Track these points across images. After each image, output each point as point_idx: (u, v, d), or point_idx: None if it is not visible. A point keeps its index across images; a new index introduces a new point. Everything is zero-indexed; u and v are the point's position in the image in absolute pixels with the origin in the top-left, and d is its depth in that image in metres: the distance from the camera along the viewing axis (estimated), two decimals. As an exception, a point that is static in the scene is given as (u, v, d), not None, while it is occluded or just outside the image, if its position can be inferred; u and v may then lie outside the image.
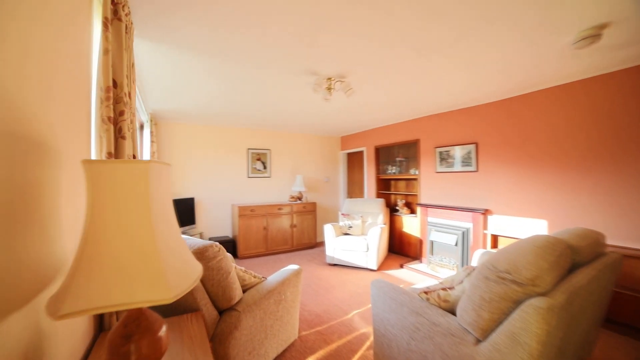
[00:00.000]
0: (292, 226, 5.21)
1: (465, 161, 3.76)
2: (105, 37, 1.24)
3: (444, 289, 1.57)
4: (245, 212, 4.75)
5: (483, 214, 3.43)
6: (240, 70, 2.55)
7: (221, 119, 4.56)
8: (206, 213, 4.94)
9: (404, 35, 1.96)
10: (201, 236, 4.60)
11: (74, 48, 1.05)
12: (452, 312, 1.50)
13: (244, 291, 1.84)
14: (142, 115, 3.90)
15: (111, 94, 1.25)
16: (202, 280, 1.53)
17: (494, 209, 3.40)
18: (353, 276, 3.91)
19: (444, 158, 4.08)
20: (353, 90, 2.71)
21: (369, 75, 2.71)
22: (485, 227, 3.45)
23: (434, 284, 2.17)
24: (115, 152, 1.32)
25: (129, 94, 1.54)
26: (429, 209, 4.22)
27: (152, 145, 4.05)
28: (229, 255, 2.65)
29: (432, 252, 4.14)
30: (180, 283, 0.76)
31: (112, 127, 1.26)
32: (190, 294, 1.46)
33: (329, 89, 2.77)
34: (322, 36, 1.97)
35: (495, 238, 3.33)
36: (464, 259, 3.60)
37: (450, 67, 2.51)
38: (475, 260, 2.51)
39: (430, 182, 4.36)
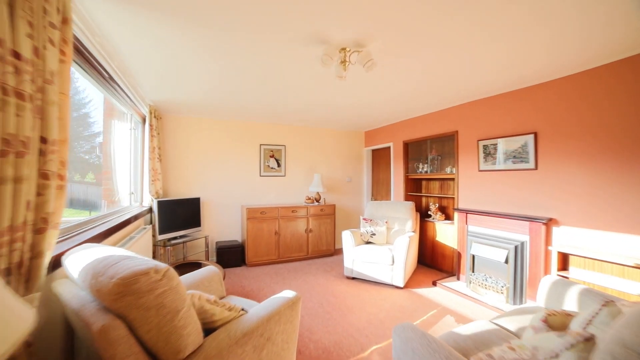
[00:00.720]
0: (308, 231, 4.67)
1: (519, 156, 2.97)
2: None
3: (518, 362, 0.92)
4: (255, 215, 4.28)
5: (545, 224, 2.64)
6: (233, 42, 2.04)
7: (229, 111, 4.13)
8: (213, 215, 4.54)
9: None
10: (206, 240, 4.20)
11: None
12: (536, 406, 0.86)
13: (210, 331, 1.31)
14: (142, 108, 3.56)
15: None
16: (132, 325, 1.02)
17: (561, 219, 2.61)
18: (375, 295, 3.27)
19: (490, 153, 3.31)
20: (374, 62, 2.10)
21: (396, 44, 2.09)
22: (548, 242, 2.66)
23: (494, 335, 1.50)
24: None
25: (14, 52, 1.06)
26: (469, 215, 3.47)
27: (152, 140, 3.70)
28: (207, 275, 2.14)
29: (472, 269, 3.39)
30: None
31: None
32: (105, 349, 0.94)
33: (344, 62, 2.18)
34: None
35: (564, 257, 2.53)
36: (518, 281, 2.82)
37: (502, 24, 1.81)
38: (543, 291, 1.79)
39: (470, 183, 3.60)
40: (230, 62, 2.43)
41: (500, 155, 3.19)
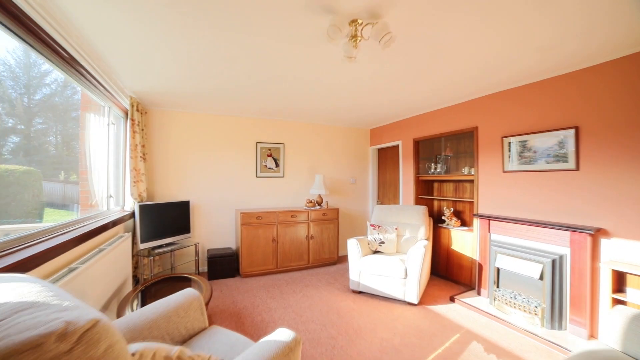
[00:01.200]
0: (309, 237, 4.25)
1: (556, 155, 2.56)
2: None
3: None
4: (250, 220, 3.86)
5: (592, 235, 2.22)
6: (219, 17, 1.63)
7: (222, 105, 3.72)
8: (205, 220, 4.12)
9: None
10: (196, 248, 3.78)
11: None
12: None
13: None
14: (121, 99, 3.15)
15: None
16: None
17: (613, 230, 2.18)
18: (386, 313, 2.85)
19: (517, 151, 2.90)
20: (393, 37, 1.68)
21: (419, 14, 1.68)
22: (595, 257, 2.24)
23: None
24: None
25: None
26: (492, 221, 3.06)
27: (134, 136, 3.29)
28: (183, 301, 1.68)
29: (497, 283, 2.97)
30: None
31: None
32: None
33: (354, 37, 1.77)
34: None
35: (619, 276, 2.10)
36: (557, 301, 2.39)
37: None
38: (615, 328, 1.37)
39: (493, 186, 3.18)
40: (218, 45, 2.02)
41: (530, 153, 2.77)
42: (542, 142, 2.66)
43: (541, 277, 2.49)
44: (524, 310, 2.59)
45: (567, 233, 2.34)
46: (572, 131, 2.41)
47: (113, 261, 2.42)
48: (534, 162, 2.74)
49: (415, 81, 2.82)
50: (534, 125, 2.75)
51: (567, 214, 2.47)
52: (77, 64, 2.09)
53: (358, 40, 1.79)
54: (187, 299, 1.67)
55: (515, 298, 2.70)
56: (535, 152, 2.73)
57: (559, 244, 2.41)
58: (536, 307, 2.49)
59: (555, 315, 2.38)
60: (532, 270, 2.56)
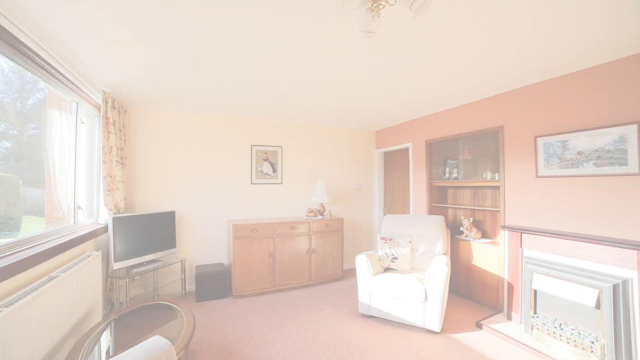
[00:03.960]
0: (310, 251, 3.78)
1: (608, 157, 2.14)
2: None
3: None
4: (244, 233, 3.39)
5: (666, 255, 1.79)
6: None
7: (211, 102, 3.27)
8: (193, 232, 3.65)
9: None
10: (182, 265, 3.31)
11: None
12: None
13: None
14: (92, 94, 2.71)
15: None
16: None
17: (696, 249, 1.76)
18: (404, 344, 2.39)
19: (555, 153, 2.48)
20: (429, 0, 1.26)
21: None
22: (672, 283, 1.81)
23: None
24: None
25: None
26: (525, 234, 2.63)
27: (107, 138, 2.84)
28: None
29: (534, 308, 2.53)
30: None
31: None
32: None
33: (376, 1, 1.34)
34: None
35: None
36: (622, 337, 1.93)
37: None
38: None
39: (524, 193, 2.76)
40: (197, 24, 1.59)
41: (573, 155, 2.36)
42: (590, 141, 2.24)
43: (597, 306, 2.05)
44: (574, 345, 2.14)
45: (633, 252, 1.90)
46: (635, 127, 1.99)
47: (70, 289, 1.94)
48: (579, 165, 2.32)
49: (445, 69, 2.40)
50: (579, 121, 2.34)
51: (624, 228, 2.04)
52: (18, 42, 1.65)
53: (381, 7, 1.37)
54: (153, 357, 1.20)
55: (561, 328, 2.26)
56: (579, 153, 2.31)
57: (619, 265, 1.98)
58: (592, 342, 2.04)
59: (621, 355, 1.93)
60: (585, 296, 2.11)
